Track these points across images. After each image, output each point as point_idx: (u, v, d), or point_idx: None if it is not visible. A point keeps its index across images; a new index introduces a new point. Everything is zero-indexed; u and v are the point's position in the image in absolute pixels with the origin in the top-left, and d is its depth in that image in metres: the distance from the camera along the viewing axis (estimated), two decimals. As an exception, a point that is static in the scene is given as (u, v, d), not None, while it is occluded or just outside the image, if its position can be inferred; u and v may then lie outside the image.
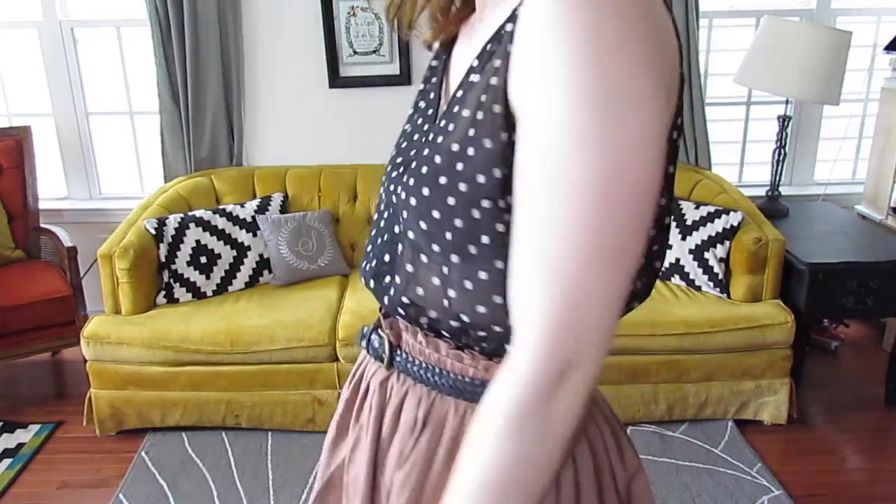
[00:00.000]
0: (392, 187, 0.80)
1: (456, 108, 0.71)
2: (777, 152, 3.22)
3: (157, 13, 3.06)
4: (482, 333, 0.74)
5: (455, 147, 0.69)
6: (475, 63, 0.70)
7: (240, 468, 2.56)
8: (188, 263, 2.83)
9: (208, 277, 2.87)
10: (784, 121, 3.16)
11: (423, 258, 0.75)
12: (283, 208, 3.12)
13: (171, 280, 2.81)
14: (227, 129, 3.28)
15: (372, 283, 0.84)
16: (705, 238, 2.79)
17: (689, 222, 2.84)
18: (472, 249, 0.70)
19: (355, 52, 3.23)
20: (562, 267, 0.60)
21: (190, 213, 2.93)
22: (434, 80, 0.85)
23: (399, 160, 0.82)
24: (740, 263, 2.71)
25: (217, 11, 3.09)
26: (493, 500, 0.65)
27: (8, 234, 3.14)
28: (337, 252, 3.07)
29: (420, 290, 0.77)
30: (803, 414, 2.82)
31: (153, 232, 2.79)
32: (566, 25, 0.57)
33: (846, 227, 3.08)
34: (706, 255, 2.78)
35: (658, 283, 2.87)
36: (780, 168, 3.23)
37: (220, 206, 3.03)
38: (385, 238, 0.82)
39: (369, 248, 0.86)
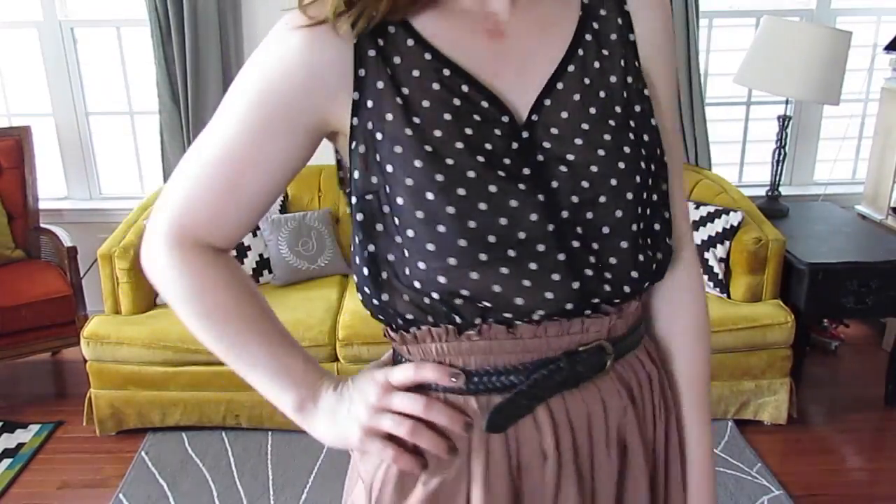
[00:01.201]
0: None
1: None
2: (777, 152, 3.22)
3: (156, 13, 3.06)
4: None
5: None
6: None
7: (240, 468, 2.56)
8: (188, 263, 2.83)
9: (208, 277, 2.86)
10: (784, 121, 3.16)
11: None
12: (283, 208, 3.12)
13: (171, 280, 2.81)
14: (227, 129, 3.27)
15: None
16: (705, 238, 2.79)
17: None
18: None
19: (355, 52, 3.23)
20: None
21: (190, 213, 2.92)
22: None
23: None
24: (740, 263, 2.71)
25: (217, 11, 3.09)
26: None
27: (8, 234, 3.14)
28: (337, 252, 3.07)
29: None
30: (803, 414, 2.81)
31: (153, 232, 2.79)
32: (670, 27, 0.85)
33: (846, 227, 3.08)
34: (706, 255, 2.78)
35: (658, 283, 2.87)
36: (780, 168, 3.23)
37: (220, 206, 3.02)
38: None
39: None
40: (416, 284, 0.73)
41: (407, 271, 0.74)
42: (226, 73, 3.18)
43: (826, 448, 2.67)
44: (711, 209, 2.83)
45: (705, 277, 2.78)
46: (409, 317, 0.76)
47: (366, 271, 0.76)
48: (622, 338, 0.80)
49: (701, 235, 2.80)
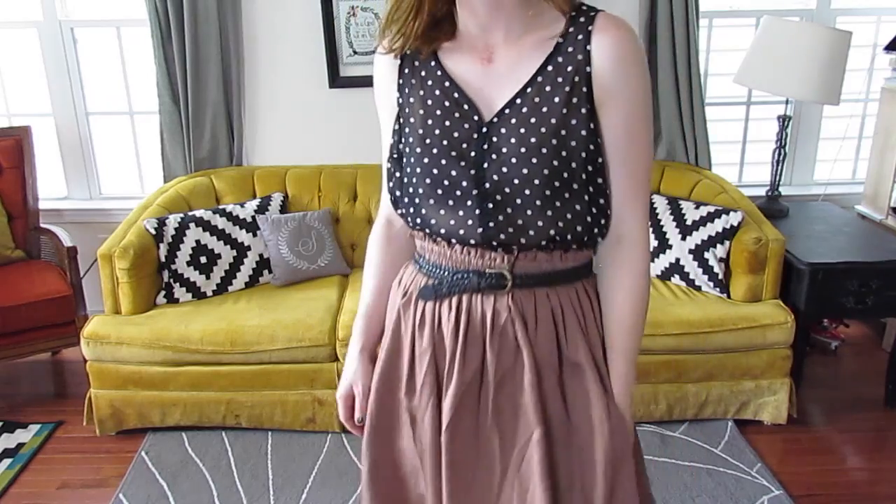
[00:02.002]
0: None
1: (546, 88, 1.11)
2: (777, 152, 3.22)
3: (157, 13, 3.06)
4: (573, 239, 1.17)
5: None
6: (540, 68, 1.12)
7: (240, 468, 2.56)
8: (188, 263, 2.83)
9: (208, 277, 2.87)
10: (784, 121, 3.16)
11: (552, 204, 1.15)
12: (283, 208, 3.12)
13: (171, 280, 2.81)
14: (226, 129, 3.28)
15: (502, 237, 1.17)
16: (705, 238, 2.79)
17: (689, 222, 2.84)
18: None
19: (355, 52, 3.23)
20: (646, 181, 1.16)
21: (190, 213, 2.93)
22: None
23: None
24: (740, 263, 2.71)
25: (217, 11, 3.09)
26: (640, 333, 1.27)
27: (8, 234, 3.14)
28: (337, 252, 3.07)
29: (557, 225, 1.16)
30: (803, 414, 2.82)
31: (153, 232, 2.80)
32: (634, 59, 1.10)
33: (846, 227, 3.08)
34: (706, 255, 2.78)
35: (658, 282, 2.88)
36: (780, 168, 3.23)
37: (220, 206, 3.03)
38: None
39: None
40: (406, 207, 1.23)
41: (405, 198, 1.23)
42: (226, 73, 3.18)
43: (826, 448, 2.67)
44: (711, 209, 2.83)
45: (705, 278, 2.78)
46: (402, 213, 1.25)
47: (392, 192, 1.27)
48: (528, 276, 1.17)
49: (701, 235, 2.80)
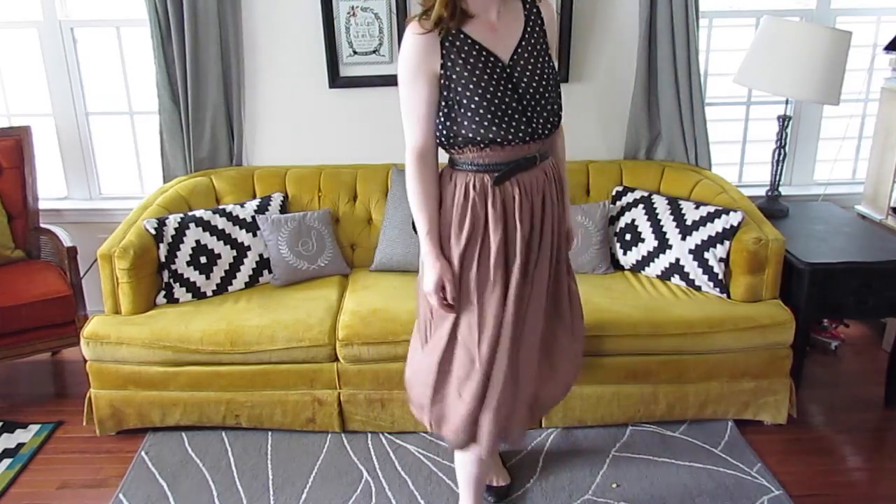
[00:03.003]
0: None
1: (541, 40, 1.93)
2: (777, 152, 3.22)
3: (156, 13, 3.06)
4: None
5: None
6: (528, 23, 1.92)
7: (240, 468, 2.56)
8: (188, 263, 2.83)
9: (208, 277, 2.87)
10: (784, 121, 3.16)
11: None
12: (283, 208, 3.12)
13: (171, 280, 2.81)
14: (226, 129, 3.27)
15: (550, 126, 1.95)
16: (705, 238, 2.79)
17: (689, 222, 2.84)
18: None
19: (355, 52, 3.23)
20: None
21: (190, 213, 2.93)
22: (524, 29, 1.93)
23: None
24: (740, 263, 2.71)
25: (217, 11, 3.09)
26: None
27: (8, 234, 3.14)
28: (337, 252, 3.07)
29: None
30: (803, 414, 2.82)
31: (153, 232, 2.79)
32: (554, 16, 2.03)
33: (846, 227, 3.08)
34: (706, 255, 2.78)
35: (658, 282, 2.88)
36: (780, 168, 3.23)
37: (220, 206, 3.03)
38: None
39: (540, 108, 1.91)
40: (464, 135, 1.86)
41: (463, 129, 1.85)
42: (226, 73, 3.18)
43: (826, 448, 2.67)
44: (711, 209, 2.83)
45: (705, 278, 2.78)
46: (462, 140, 1.86)
47: (442, 132, 1.88)
48: (544, 152, 1.97)
49: (701, 235, 2.80)
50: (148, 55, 3.18)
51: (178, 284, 2.82)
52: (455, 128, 1.84)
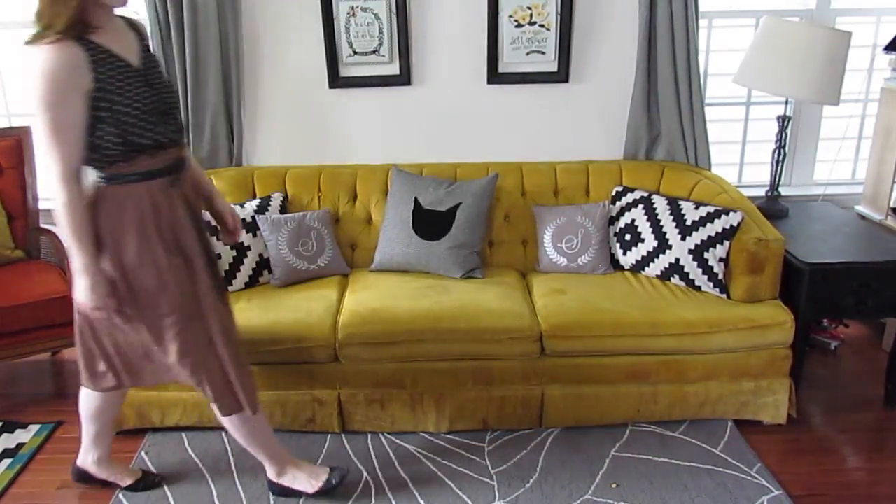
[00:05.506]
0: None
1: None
2: (777, 152, 3.22)
3: (156, 13, 3.06)
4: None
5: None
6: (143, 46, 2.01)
7: (239, 468, 2.56)
8: (188, 263, 2.83)
9: (208, 277, 2.86)
10: (784, 121, 3.16)
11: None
12: (283, 208, 3.12)
13: (171, 280, 2.81)
14: (226, 129, 3.27)
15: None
16: (705, 238, 2.79)
17: (688, 222, 2.84)
18: None
19: (355, 52, 3.23)
20: None
21: (190, 213, 2.92)
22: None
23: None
24: (740, 263, 2.71)
25: (217, 11, 3.09)
26: None
27: (8, 234, 3.14)
28: (337, 252, 3.07)
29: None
30: (803, 414, 2.82)
31: (153, 232, 2.79)
32: None
33: (846, 227, 3.08)
34: (706, 255, 2.78)
35: (658, 282, 2.88)
36: (779, 168, 3.23)
37: (220, 206, 3.02)
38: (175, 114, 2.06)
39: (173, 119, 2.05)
40: (126, 148, 1.89)
41: (122, 145, 1.88)
42: (226, 74, 3.18)
43: (826, 448, 2.67)
44: (711, 209, 2.83)
45: (705, 278, 2.78)
46: (122, 151, 1.89)
47: (105, 149, 1.87)
48: (178, 160, 2.04)
49: (701, 235, 2.80)
50: (148, 55, 3.18)
51: (177, 284, 2.81)
52: (113, 139, 1.85)
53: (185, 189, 2.07)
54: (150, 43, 2.09)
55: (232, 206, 2.42)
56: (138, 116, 1.87)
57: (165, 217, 2.00)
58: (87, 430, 2.40)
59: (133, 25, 2.02)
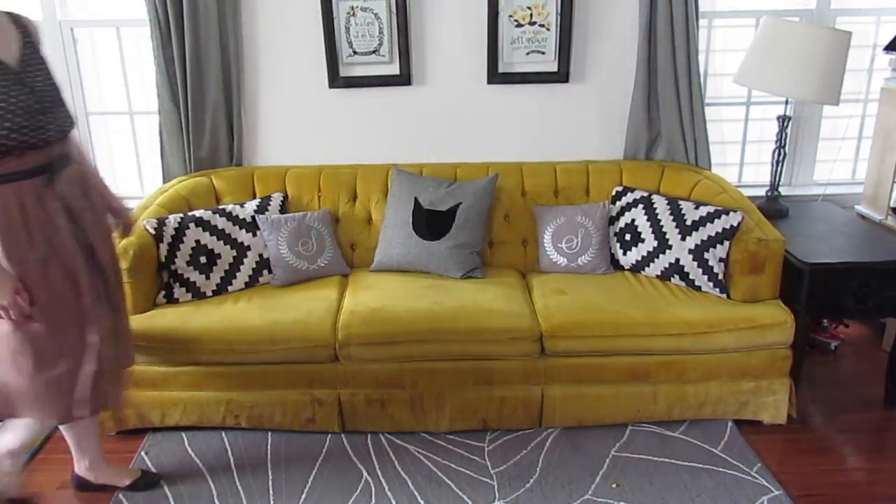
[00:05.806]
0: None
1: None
2: (777, 152, 3.22)
3: (156, 13, 3.06)
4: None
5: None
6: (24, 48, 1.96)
7: (239, 468, 2.56)
8: (188, 263, 2.83)
9: (208, 277, 2.86)
10: (784, 121, 3.17)
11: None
12: (283, 208, 3.12)
13: (171, 280, 2.81)
14: (226, 129, 3.27)
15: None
16: (705, 238, 2.79)
17: (688, 222, 2.84)
18: None
19: (355, 52, 3.23)
20: None
21: (190, 213, 2.93)
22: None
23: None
24: (740, 263, 2.71)
25: (217, 11, 3.09)
26: None
27: None
28: (337, 252, 3.07)
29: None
30: (803, 414, 2.82)
31: (153, 232, 2.79)
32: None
33: (846, 227, 3.08)
34: (706, 255, 2.78)
35: (658, 282, 2.88)
36: (779, 168, 3.23)
37: (220, 206, 3.03)
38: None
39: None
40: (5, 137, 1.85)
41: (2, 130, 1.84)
42: (226, 74, 3.18)
43: (826, 448, 2.67)
44: (711, 209, 2.83)
45: (705, 278, 2.78)
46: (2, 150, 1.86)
47: None
48: (57, 158, 1.99)
49: (701, 235, 2.80)
50: (148, 55, 3.18)
51: (177, 284, 2.82)
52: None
53: (63, 188, 1.99)
54: (40, 38, 2.03)
55: (121, 199, 2.41)
56: (3, 117, 1.82)
57: (35, 219, 1.93)
58: (69, 439, 2.41)
59: (17, 22, 1.98)
